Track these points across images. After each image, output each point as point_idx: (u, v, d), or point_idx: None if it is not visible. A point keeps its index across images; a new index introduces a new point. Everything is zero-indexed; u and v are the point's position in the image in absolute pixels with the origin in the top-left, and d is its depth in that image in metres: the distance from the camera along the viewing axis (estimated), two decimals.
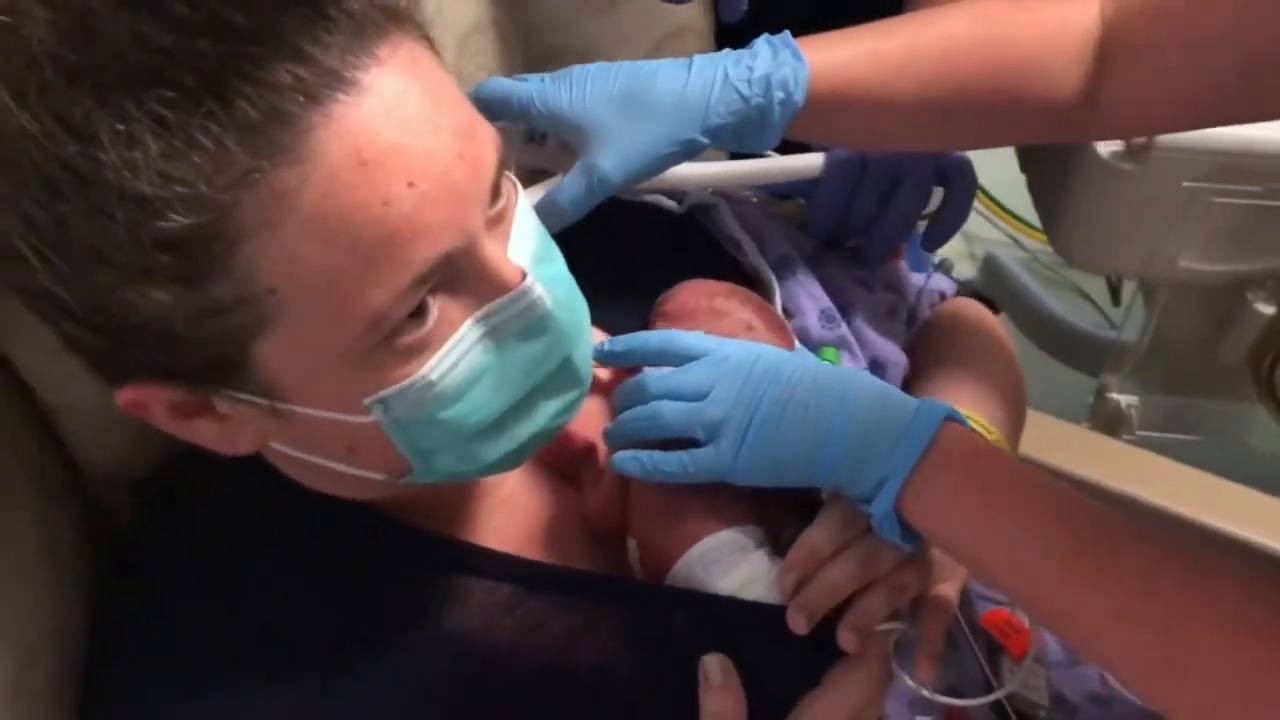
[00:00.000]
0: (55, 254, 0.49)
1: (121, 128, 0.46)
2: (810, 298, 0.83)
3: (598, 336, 0.72)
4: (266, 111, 0.47)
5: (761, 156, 0.86)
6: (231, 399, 0.55)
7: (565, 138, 0.75)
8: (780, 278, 0.83)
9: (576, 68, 0.74)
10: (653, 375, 0.69)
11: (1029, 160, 1.30)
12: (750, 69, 0.72)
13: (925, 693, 0.68)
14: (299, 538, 0.65)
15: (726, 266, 0.84)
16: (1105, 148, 1.11)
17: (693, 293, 0.77)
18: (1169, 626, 0.57)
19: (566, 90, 0.73)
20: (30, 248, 0.49)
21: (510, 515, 0.71)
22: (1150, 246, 1.11)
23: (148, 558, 0.69)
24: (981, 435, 0.69)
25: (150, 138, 0.46)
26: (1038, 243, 1.84)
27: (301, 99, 0.48)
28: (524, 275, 0.57)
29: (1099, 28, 0.76)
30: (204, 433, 0.58)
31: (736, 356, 0.68)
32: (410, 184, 0.50)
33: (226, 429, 0.58)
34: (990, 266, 1.85)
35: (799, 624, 0.64)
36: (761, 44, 0.74)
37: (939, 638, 0.69)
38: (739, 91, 0.72)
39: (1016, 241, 1.91)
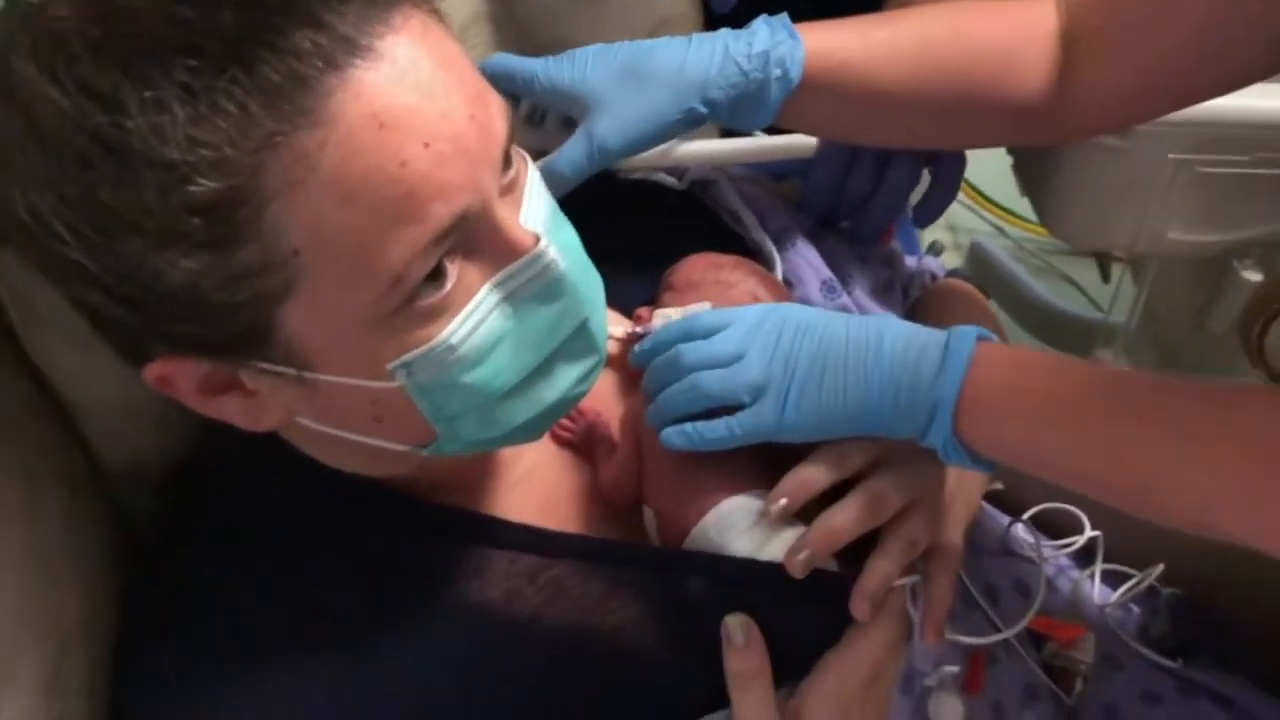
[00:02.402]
0: (86, 224, 0.50)
1: (149, 95, 0.48)
2: (811, 268, 0.83)
3: (610, 314, 0.73)
4: (287, 76, 0.49)
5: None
6: (258, 371, 0.56)
7: (566, 111, 0.76)
8: (781, 249, 0.84)
9: (578, 49, 0.75)
10: (686, 347, 0.68)
11: None
12: (750, 44, 0.74)
13: (946, 636, 0.69)
14: (321, 519, 0.66)
15: (728, 240, 0.84)
16: None
17: (698, 265, 0.78)
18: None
19: (569, 66, 0.74)
20: (61, 220, 0.50)
21: (529, 490, 0.72)
22: (1139, 220, 1.11)
23: (171, 548, 0.69)
24: (1014, 345, 0.69)
25: (177, 104, 0.48)
26: (1023, 231, 1.86)
27: (320, 64, 0.49)
28: (537, 239, 0.58)
29: (1059, 25, 0.77)
30: (231, 408, 0.59)
31: (764, 318, 0.68)
32: (426, 144, 0.52)
33: (253, 404, 0.59)
34: (977, 254, 1.87)
35: (794, 566, 0.64)
36: (760, 23, 0.75)
37: (950, 586, 0.70)
38: (739, 65, 0.73)
39: (1001, 231, 1.93)
